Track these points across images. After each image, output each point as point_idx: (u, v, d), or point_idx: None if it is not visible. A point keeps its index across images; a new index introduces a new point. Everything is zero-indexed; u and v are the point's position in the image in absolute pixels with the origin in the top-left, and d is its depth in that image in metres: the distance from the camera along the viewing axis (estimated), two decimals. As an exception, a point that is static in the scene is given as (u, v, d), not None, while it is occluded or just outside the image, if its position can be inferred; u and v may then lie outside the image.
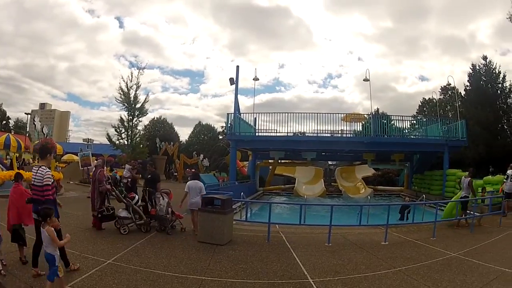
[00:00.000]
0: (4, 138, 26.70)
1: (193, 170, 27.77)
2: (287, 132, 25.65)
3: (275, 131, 25.91)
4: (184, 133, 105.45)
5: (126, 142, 40.13)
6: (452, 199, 15.62)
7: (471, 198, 14.43)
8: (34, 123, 34.27)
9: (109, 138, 40.29)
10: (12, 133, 41.09)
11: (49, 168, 7.27)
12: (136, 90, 40.18)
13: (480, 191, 16.24)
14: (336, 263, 8.70)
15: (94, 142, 52.23)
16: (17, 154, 30.30)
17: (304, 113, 26.17)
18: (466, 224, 14.12)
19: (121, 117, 40.24)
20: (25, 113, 68.92)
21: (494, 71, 40.93)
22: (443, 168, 24.95)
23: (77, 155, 29.25)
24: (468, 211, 14.38)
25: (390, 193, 34.09)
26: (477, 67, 42.12)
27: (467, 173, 15.54)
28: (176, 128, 67.90)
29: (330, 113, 26.07)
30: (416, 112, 55.10)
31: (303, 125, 25.72)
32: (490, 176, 19.43)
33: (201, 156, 49.93)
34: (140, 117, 41.13)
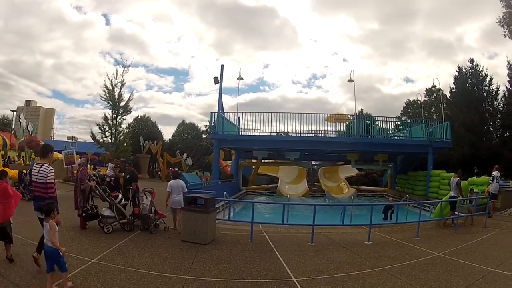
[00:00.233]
0: (-11, 135, 26.48)
1: (176, 168, 27.73)
2: (271, 132, 25.71)
3: (259, 131, 25.96)
4: (167, 132, 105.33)
5: (110, 141, 39.91)
6: (443, 199, 15.85)
7: (458, 199, 14.66)
8: (19, 121, 34.05)
9: (93, 136, 39.99)
10: (-2, 130, 40.72)
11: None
12: (120, 88, 39.88)
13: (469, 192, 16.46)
14: (319, 262, 8.73)
15: (78, 140, 51.88)
16: (3, 152, 30.12)
17: (287, 113, 26.40)
18: (452, 224, 14.27)
19: (105, 115, 39.99)
20: (11, 110, 68.27)
21: (480, 74, 41.55)
22: (427, 169, 25.21)
23: (61, 153, 28.93)
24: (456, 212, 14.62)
25: (374, 193, 34.37)
26: (464, 70, 42.71)
27: (454, 174, 15.81)
28: (160, 127, 67.66)
29: (314, 113, 26.17)
30: (401, 113, 55.71)
31: (286, 125, 26.00)
32: (475, 177, 19.69)
33: (185, 155, 49.76)
34: (124, 115, 40.83)
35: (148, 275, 7.06)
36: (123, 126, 43.08)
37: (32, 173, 7.27)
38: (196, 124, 72.88)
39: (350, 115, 30.90)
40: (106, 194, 11.62)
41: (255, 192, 32.64)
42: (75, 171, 14.65)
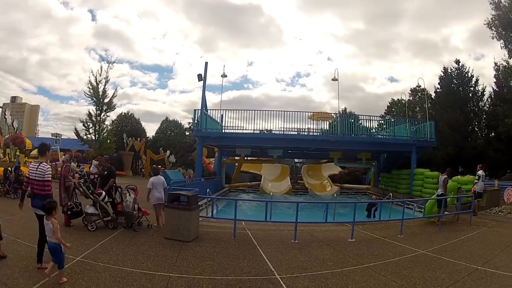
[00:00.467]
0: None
1: (159, 166, 27.67)
2: (254, 130, 25.68)
3: (242, 128, 25.95)
4: (151, 129, 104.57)
5: (93, 137, 39.74)
6: (432, 197, 16.04)
7: (445, 197, 14.79)
8: (5, 117, 33.71)
9: (77, 133, 39.83)
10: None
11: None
12: (105, 85, 39.97)
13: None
14: (303, 259, 8.80)
15: (62, 137, 51.36)
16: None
17: (271, 110, 26.28)
18: (437, 222, 14.43)
19: (89, 112, 39.89)
20: (-4, 106, 67.46)
21: (466, 75, 41.90)
22: (410, 167, 25.45)
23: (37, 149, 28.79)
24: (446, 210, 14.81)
25: (357, 191, 34.47)
26: (449, 70, 43.04)
27: (438, 173, 16.00)
28: (143, 124, 67.30)
29: (297, 112, 26.22)
30: (385, 113, 55.89)
31: (270, 123, 25.87)
32: (459, 176, 19.94)
33: (168, 152, 49.67)
34: (108, 112, 40.85)
35: (132, 273, 7.08)
36: (107, 123, 43.11)
37: (30, 171, 7.39)
38: (179, 121, 72.64)
39: (334, 113, 31.15)
40: (90, 191, 11.59)
41: (238, 190, 32.64)
42: (59, 168, 14.61)
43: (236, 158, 32.99)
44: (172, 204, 10.84)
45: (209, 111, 27.01)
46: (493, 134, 40.03)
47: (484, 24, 33.96)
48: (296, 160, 42.01)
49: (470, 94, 41.79)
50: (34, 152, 41.99)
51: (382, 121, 33.49)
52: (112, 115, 48.73)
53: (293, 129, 25.98)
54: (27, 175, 7.54)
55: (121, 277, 6.78)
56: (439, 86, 43.95)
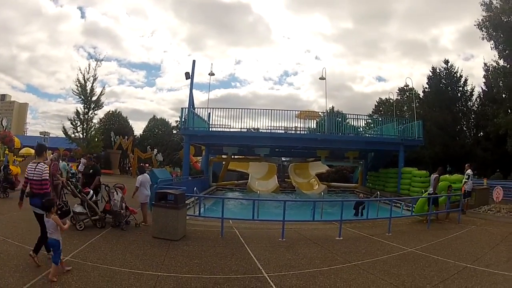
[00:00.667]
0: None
1: (146, 164, 27.63)
2: (241, 128, 25.72)
3: (229, 127, 25.97)
4: (138, 127, 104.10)
5: (81, 136, 39.57)
6: (423, 195, 16.17)
7: (434, 196, 14.98)
8: (-6, 115, 33.56)
9: (64, 131, 39.64)
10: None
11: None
12: (93, 82, 39.81)
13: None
14: (290, 257, 8.85)
15: (50, 135, 51.08)
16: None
17: (258, 109, 26.32)
18: (425, 220, 14.53)
19: (77, 110, 39.72)
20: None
21: (455, 75, 42.39)
22: (398, 166, 25.64)
23: (34, 149, 28.58)
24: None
25: (344, 189, 34.51)
26: (438, 70, 43.50)
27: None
28: (131, 122, 66.69)
29: (285, 110, 26.30)
30: (372, 112, 56.11)
31: (257, 121, 25.86)
32: (447, 175, 20.15)
33: (155, 150, 49.51)
34: (95, 110, 40.69)
35: (121, 272, 7.09)
36: (95, 121, 42.89)
37: (28, 171, 7.55)
38: (167, 120, 72.22)
39: (321, 112, 31.25)
40: (78, 190, 11.58)
41: (226, 188, 32.62)
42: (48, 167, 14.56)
43: (223, 156, 33.07)
44: (159, 203, 10.84)
45: (196, 109, 27.01)
46: (481, 133, 40.62)
47: (475, 25, 34.26)
48: (283, 159, 42.08)
49: (459, 94, 42.41)
50: (23, 150, 41.77)
51: (370, 120, 33.65)
52: (100, 113, 48.47)
53: (280, 128, 26.15)
54: (25, 175, 7.63)
55: (110, 276, 6.79)
56: (427, 86, 44.55)
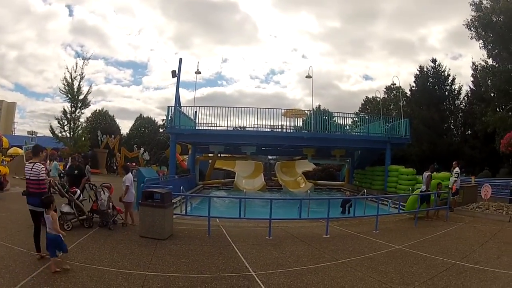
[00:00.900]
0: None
1: (133, 163, 27.57)
2: (227, 126, 25.83)
3: (216, 125, 26.05)
4: (125, 126, 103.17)
5: (68, 135, 39.35)
6: (414, 193, 16.32)
7: (424, 193, 15.15)
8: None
9: (52, 130, 39.39)
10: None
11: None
12: (80, 81, 39.54)
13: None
14: (278, 256, 8.88)
15: (38, 135, 50.75)
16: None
17: (245, 107, 26.39)
18: (417, 217, 14.57)
19: (64, 109, 39.48)
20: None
21: (442, 74, 42.83)
22: (385, 164, 25.84)
23: (22, 149, 28.37)
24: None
25: (331, 187, 34.69)
26: (425, 69, 43.95)
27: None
28: (118, 121, 66.17)
29: (271, 108, 26.48)
30: (359, 110, 56.35)
31: (243, 120, 25.94)
32: (435, 173, 20.35)
33: (142, 149, 49.35)
34: (82, 108, 40.46)
35: (109, 272, 7.10)
36: (82, 120, 42.65)
37: (25, 171, 7.92)
38: (153, 118, 71.87)
39: (308, 110, 31.32)
40: (65, 190, 11.55)
41: (212, 187, 32.64)
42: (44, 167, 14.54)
43: (210, 155, 33.07)
44: (146, 202, 10.85)
45: (182, 108, 27.00)
46: (469, 132, 41.08)
47: (463, 24, 34.63)
48: (270, 157, 42.07)
49: (446, 93, 42.97)
50: (11, 150, 41.38)
51: (357, 119, 33.84)
52: (87, 112, 48.16)
53: (266, 126, 26.21)
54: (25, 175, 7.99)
55: (98, 276, 6.80)
56: (414, 85, 44.84)
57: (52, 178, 12.05)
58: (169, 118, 25.99)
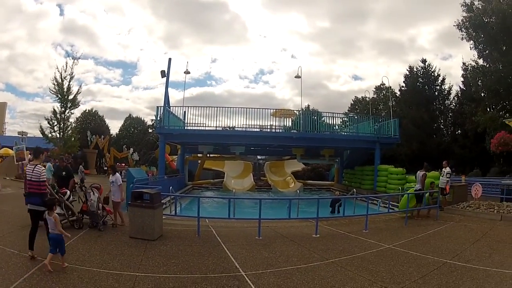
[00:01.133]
0: None
1: (123, 164, 27.52)
2: (216, 126, 25.90)
3: (205, 125, 26.11)
4: (114, 126, 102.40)
5: (58, 135, 39.15)
6: (408, 191, 16.35)
7: (422, 191, 15.39)
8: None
9: (42, 131, 39.15)
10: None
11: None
12: (69, 81, 39.30)
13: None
14: (267, 256, 8.91)
15: (28, 135, 50.46)
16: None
17: (234, 107, 26.47)
18: (418, 215, 15.01)
19: (54, 109, 39.25)
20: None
21: (432, 74, 43.17)
22: (374, 163, 26.00)
23: (12, 149, 28.18)
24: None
25: (320, 187, 34.90)
26: (415, 69, 44.28)
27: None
28: (107, 121, 65.78)
29: (260, 108, 26.60)
30: (348, 110, 56.54)
31: (232, 120, 25.99)
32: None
33: (131, 150, 49.22)
34: (72, 109, 40.23)
35: (99, 273, 7.11)
36: (71, 120, 42.44)
37: (27, 172, 8.26)
38: (142, 119, 71.51)
39: (297, 110, 31.46)
40: (55, 190, 11.52)
41: (202, 187, 32.70)
42: (25, 168, 14.55)
43: (199, 155, 33.12)
44: (135, 202, 10.86)
45: (172, 108, 27.00)
46: (459, 131, 41.25)
47: (454, 25, 34.95)
48: (259, 157, 42.20)
49: (436, 93, 43.28)
50: (2, 151, 41.08)
51: (346, 118, 33.98)
52: (76, 112, 47.91)
53: (255, 126, 26.34)
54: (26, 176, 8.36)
55: (89, 277, 6.82)
56: (404, 85, 45.09)
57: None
58: (158, 118, 25.99)
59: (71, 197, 11.81)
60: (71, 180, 12.85)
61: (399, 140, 27.46)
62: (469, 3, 33.68)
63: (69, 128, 40.07)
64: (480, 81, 34.63)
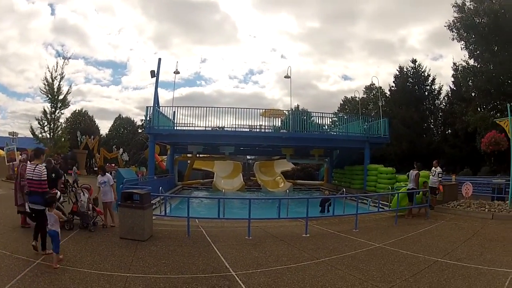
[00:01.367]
0: None
1: (113, 164, 27.48)
2: (206, 126, 25.87)
3: (194, 125, 26.12)
4: (104, 126, 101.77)
5: (48, 136, 38.96)
6: (400, 191, 16.54)
7: (415, 190, 15.51)
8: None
9: (32, 131, 38.95)
10: None
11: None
12: (60, 81, 39.10)
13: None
14: (257, 255, 8.95)
15: (19, 136, 50.27)
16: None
17: (223, 107, 26.53)
18: (410, 214, 15.17)
19: (44, 109, 39.06)
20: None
21: (422, 74, 43.57)
22: (364, 163, 26.11)
23: (3, 150, 28.02)
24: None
25: (310, 187, 35.06)
26: (405, 70, 44.63)
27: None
28: (97, 121, 65.48)
29: (249, 108, 26.60)
30: (338, 110, 56.76)
31: (222, 120, 25.99)
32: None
33: (121, 150, 49.08)
34: (62, 109, 40.03)
35: (91, 274, 7.12)
36: (61, 120, 42.23)
37: (27, 172, 8.73)
38: (132, 119, 71.36)
39: (286, 110, 31.55)
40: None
41: (191, 187, 32.72)
42: (16, 168, 14.55)
43: (188, 155, 33.04)
44: (125, 203, 10.88)
45: (161, 108, 27.03)
46: (449, 131, 41.61)
47: (445, 26, 35.09)
48: (248, 157, 42.25)
49: (426, 93, 43.72)
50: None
51: (335, 118, 34.10)
52: (67, 113, 47.65)
53: (245, 126, 26.30)
54: (26, 175, 8.89)
55: (80, 278, 6.83)
56: (394, 85, 45.38)
57: None
58: (148, 119, 25.99)
59: (61, 197, 11.79)
60: (58, 181, 12.83)
61: (388, 139, 27.55)
62: (460, 4, 33.89)
63: (59, 129, 39.89)
64: (470, 81, 34.87)
